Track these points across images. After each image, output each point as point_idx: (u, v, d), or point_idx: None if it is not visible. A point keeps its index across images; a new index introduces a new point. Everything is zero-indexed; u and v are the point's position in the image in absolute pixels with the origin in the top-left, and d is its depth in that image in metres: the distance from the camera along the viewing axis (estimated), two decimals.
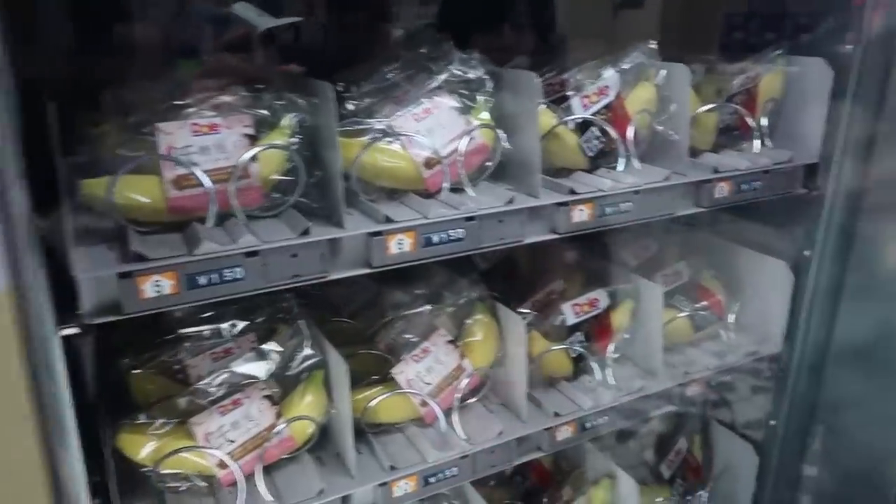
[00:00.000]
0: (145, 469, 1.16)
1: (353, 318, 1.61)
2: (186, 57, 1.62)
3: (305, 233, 1.04)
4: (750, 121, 1.45)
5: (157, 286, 0.94)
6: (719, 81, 1.51)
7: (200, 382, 1.24)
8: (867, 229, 1.54)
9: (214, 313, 1.38)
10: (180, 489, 1.21)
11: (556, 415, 1.45)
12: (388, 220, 1.10)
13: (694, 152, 1.51)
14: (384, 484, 1.28)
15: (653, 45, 1.35)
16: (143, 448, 1.16)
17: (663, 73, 1.37)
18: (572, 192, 1.26)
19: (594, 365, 1.51)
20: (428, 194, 1.21)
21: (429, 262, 1.17)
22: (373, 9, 1.84)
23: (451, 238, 1.16)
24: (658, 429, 1.98)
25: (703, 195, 1.42)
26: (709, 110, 1.44)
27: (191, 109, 1.05)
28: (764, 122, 1.51)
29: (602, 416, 1.51)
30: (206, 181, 0.97)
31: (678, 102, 1.36)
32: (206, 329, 1.35)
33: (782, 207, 1.67)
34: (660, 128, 1.40)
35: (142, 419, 1.20)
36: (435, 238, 1.14)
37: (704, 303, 1.72)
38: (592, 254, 1.80)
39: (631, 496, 1.68)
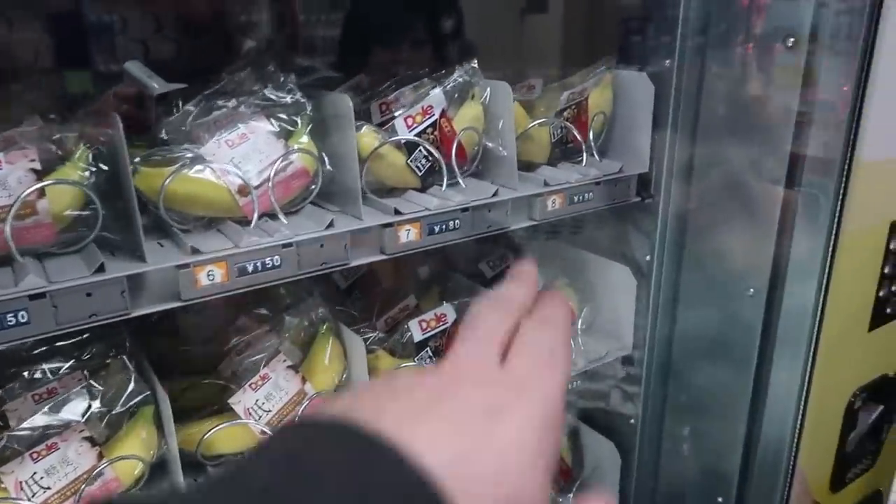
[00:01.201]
0: None
1: (204, 346, 1.57)
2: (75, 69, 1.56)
3: (100, 270, 1.00)
4: (577, 134, 1.51)
5: None
6: (552, 98, 1.56)
7: (15, 428, 1.19)
8: (694, 235, 1.63)
9: (44, 351, 1.33)
10: None
11: None
12: (195, 251, 1.08)
13: (530, 166, 1.56)
14: None
15: (475, 64, 1.38)
16: None
17: (489, 91, 1.40)
18: (397, 212, 1.27)
19: None
20: (248, 222, 1.19)
21: (268, 286, 1.16)
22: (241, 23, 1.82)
23: (268, 266, 1.14)
24: None
25: (536, 208, 1.46)
26: (538, 125, 1.48)
27: None
28: (594, 135, 1.56)
29: None
30: None
31: (504, 119, 1.40)
32: (27, 369, 1.29)
33: (626, 215, 1.75)
34: (490, 144, 1.43)
35: None
36: (249, 267, 1.13)
37: None
38: (451, 267, 1.83)
39: None
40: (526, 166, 1.56)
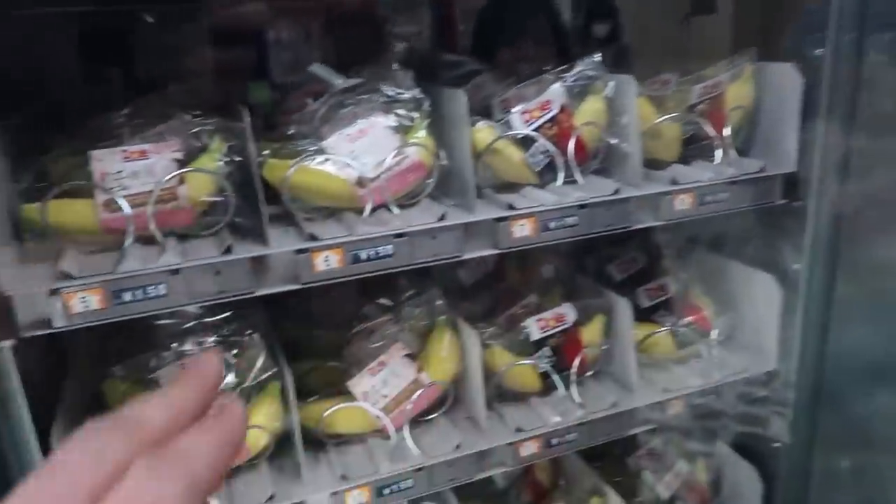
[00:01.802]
0: None
1: (332, 332, 1.66)
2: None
3: (228, 251, 1.10)
4: (710, 130, 1.41)
5: (84, 302, 1.03)
6: (685, 92, 1.47)
7: None
8: (851, 242, 1.45)
9: (193, 325, 1.48)
10: None
11: (519, 430, 1.45)
12: (313, 237, 1.15)
13: (659, 164, 1.48)
14: (336, 493, 1.32)
15: (598, 58, 1.34)
16: None
17: (612, 84, 1.35)
18: (510, 207, 1.27)
19: (559, 381, 1.49)
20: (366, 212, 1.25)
21: (400, 273, 1.23)
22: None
23: (380, 255, 1.19)
24: (656, 447, 1.91)
25: (662, 208, 1.39)
26: (664, 121, 1.41)
27: (128, 136, 1.14)
28: (728, 131, 1.45)
29: (570, 433, 1.49)
30: (125, 205, 1.05)
31: (627, 114, 1.35)
32: (178, 341, 1.44)
33: (772, 219, 1.60)
34: (613, 140, 1.38)
35: None
36: (363, 255, 1.18)
37: (690, 318, 1.66)
38: (577, 269, 1.79)
39: None
40: (656, 164, 1.49)
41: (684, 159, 1.51)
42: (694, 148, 1.50)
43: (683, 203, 1.40)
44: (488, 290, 1.80)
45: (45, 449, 1.13)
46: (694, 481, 1.90)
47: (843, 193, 1.45)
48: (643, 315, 1.66)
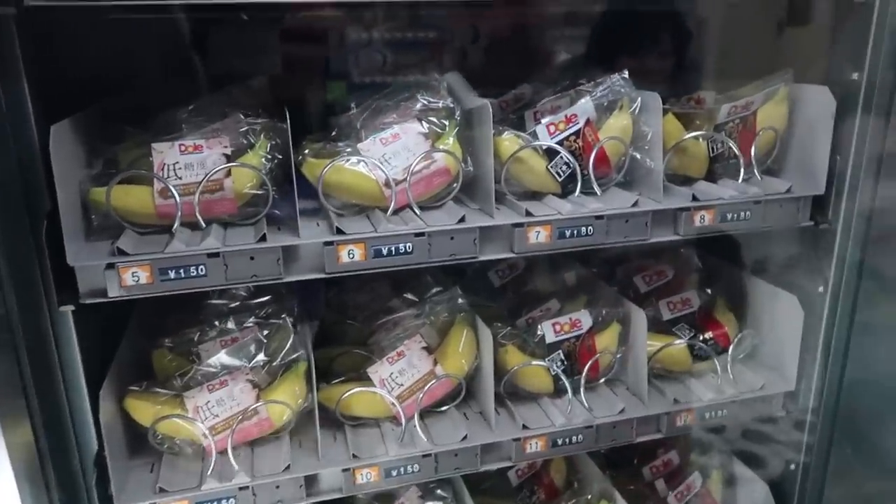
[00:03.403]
0: (145, 430, 1.38)
1: (365, 322, 1.76)
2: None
3: (262, 239, 1.21)
4: (735, 149, 1.44)
5: (135, 276, 1.16)
6: (715, 110, 1.51)
7: (201, 365, 1.46)
8: (877, 270, 1.46)
9: (236, 306, 1.61)
10: (175, 451, 1.42)
11: (525, 427, 1.51)
12: (339, 231, 1.25)
13: (686, 180, 1.52)
14: (347, 470, 1.42)
15: (626, 75, 1.39)
16: (144, 412, 1.38)
17: (638, 101, 1.40)
18: (528, 213, 1.34)
19: (569, 384, 1.54)
20: (392, 211, 1.34)
21: (430, 271, 1.38)
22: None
23: (401, 251, 1.28)
24: (671, 459, 1.94)
25: (681, 223, 1.43)
26: (688, 139, 1.44)
27: (188, 131, 1.27)
28: (754, 151, 1.47)
29: (576, 435, 1.54)
30: (175, 193, 1.17)
31: (652, 130, 1.39)
32: (221, 320, 1.57)
33: (799, 240, 1.61)
34: (637, 156, 1.43)
35: (151, 389, 1.43)
36: (384, 250, 1.27)
37: (709, 334, 1.69)
38: (607, 278, 1.83)
39: None
40: (683, 181, 1.53)
41: (710, 177, 1.54)
42: (722, 166, 1.52)
43: (704, 220, 1.43)
44: (515, 292, 1.87)
45: (95, 404, 1.27)
46: (706, 495, 1.92)
47: (872, 219, 1.45)
48: (663, 327, 1.69)
